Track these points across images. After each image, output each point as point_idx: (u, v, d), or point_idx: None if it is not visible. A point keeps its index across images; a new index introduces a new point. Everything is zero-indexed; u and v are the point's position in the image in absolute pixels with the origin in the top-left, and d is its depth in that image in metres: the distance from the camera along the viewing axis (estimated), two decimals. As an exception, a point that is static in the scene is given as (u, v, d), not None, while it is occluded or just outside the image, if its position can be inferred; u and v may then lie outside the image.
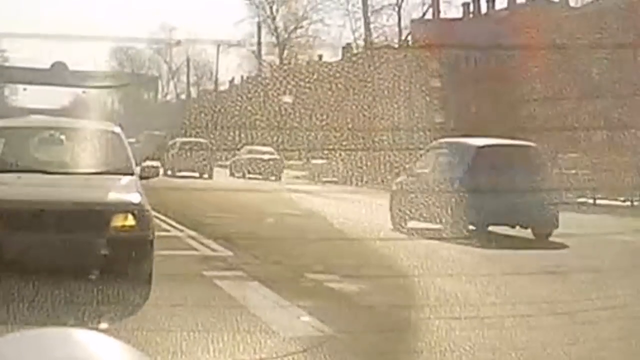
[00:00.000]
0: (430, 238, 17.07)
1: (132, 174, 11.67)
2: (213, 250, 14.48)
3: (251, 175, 38.47)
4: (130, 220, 10.53)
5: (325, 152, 37.31)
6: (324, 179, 35.78)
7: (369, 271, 12.66)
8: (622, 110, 32.80)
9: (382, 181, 27.10)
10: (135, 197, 10.90)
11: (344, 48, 51.08)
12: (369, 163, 32.04)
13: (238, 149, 41.70)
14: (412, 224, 18.63)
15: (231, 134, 46.34)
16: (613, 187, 27.80)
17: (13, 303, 9.27)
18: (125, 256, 10.37)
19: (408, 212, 18.78)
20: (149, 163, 12.27)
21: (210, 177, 37.98)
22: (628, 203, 27.89)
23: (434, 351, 8.07)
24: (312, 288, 11.44)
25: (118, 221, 10.53)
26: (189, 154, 37.60)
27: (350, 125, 37.27)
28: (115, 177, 11.48)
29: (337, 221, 18.18)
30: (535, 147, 20.17)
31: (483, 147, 19.06)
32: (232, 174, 40.67)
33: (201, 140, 41.18)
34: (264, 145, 41.52)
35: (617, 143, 31.53)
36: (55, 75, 51.65)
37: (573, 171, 28.72)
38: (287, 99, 41.42)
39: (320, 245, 15.02)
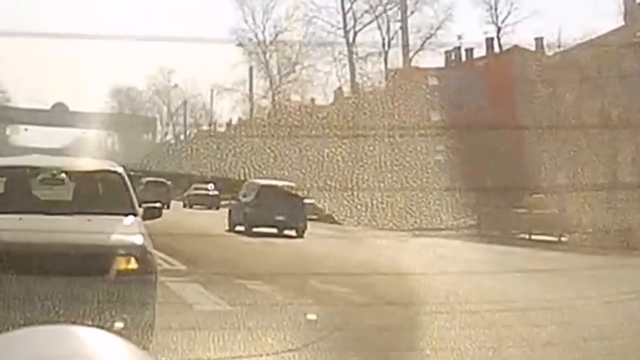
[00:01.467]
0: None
1: (135, 215, 11.01)
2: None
3: (197, 206, 48.99)
4: (133, 264, 9.88)
5: (318, 191, 37.63)
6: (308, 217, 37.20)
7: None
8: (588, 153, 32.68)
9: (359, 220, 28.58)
10: (138, 239, 10.24)
11: (335, 92, 51.13)
12: (350, 203, 32.06)
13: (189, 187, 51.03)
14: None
15: (228, 170, 46.30)
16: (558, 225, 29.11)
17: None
18: (128, 299, 9.72)
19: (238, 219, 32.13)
20: (151, 204, 11.56)
21: (168, 207, 39.72)
22: (557, 239, 29.80)
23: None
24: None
25: (120, 264, 9.88)
26: (153, 189, 41.67)
27: (337, 166, 37.51)
28: (117, 218, 10.83)
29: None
30: (293, 186, 31.04)
31: (263, 185, 31.38)
32: (184, 205, 49.65)
33: (162, 179, 47.33)
34: (207, 182, 49.29)
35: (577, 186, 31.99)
36: (56, 116, 51.42)
37: (537, 210, 30.33)
38: (280, 140, 41.31)
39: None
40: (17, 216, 10.57)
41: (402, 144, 35.00)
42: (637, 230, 25.08)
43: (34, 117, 52.02)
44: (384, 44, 49.64)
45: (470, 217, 31.92)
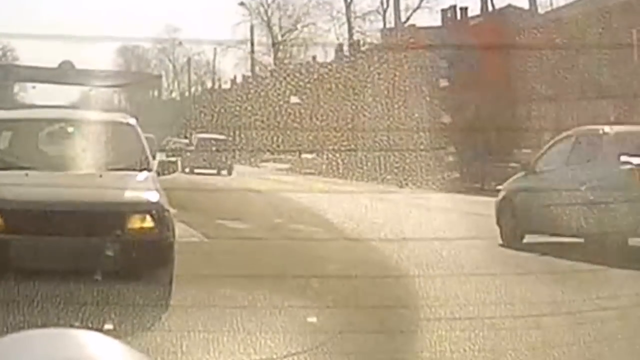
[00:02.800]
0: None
1: (149, 170, 9.90)
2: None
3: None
4: (149, 222, 8.80)
5: (317, 147, 38.08)
6: (305, 171, 38.03)
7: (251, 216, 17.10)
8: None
9: (353, 174, 29.07)
10: (153, 196, 9.15)
11: (335, 49, 50.56)
12: (347, 159, 32.85)
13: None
14: None
15: (233, 129, 45.73)
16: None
17: (20, 314, 7.61)
18: (143, 262, 8.67)
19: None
20: (166, 158, 10.41)
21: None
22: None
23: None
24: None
25: (135, 223, 8.80)
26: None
27: (336, 124, 37.58)
28: (131, 174, 9.71)
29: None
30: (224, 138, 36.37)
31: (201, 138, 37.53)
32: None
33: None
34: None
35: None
36: (63, 74, 50.60)
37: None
38: (292, 99, 40.90)
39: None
40: (23, 172, 9.47)
41: (394, 103, 34.98)
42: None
43: (41, 75, 50.95)
44: (382, 3, 48.94)
45: (457, 171, 32.11)
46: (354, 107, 38.87)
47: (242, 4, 54.44)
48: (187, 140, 41.07)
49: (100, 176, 9.53)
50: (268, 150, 41.28)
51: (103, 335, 2.32)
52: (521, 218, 14.74)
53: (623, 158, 13.51)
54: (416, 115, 32.42)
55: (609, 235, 12.57)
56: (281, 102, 41.46)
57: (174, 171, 10.31)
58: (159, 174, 9.91)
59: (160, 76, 61.71)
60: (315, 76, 44.46)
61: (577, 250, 12.88)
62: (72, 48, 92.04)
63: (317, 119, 39.25)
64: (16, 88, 58.41)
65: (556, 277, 10.97)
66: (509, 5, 43.15)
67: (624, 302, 9.07)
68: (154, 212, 8.80)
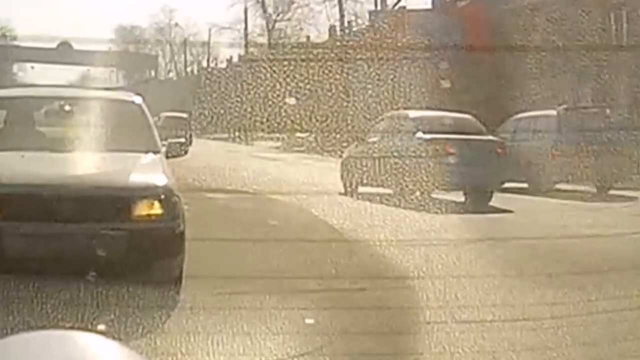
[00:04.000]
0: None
1: (156, 152, 8.87)
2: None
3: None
4: (157, 208, 7.78)
5: (308, 126, 38.02)
6: (295, 149, 37.90)
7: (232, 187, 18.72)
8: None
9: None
10: (161, 180, 8.13)
11: (329, 30, 50.25)
12: (337, 137, 32.87)
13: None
14: None
15: (227, 107, 45.48)
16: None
17: (14, 307, 6.65)
18: (150, 252, 7.67)
19: None
20: (175, 140, 9.36)
21: None
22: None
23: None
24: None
25: (142, 209, 7.78)
26: None
27: (331, 102, 37.59)
28: (137, 156, 8.68)
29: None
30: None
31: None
32: None
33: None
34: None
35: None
36: (61, 54, 50.19)
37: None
38: (286, 81, 40.68)
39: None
40: (19, 153, 8.44)
41: (381, 75, 35.16)
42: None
43: (40, 55, 50.48)
44: None
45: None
46: (342, 86, 38.69)
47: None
48: (156, 118, 40.71)
49: (104, 158, 8.50)
50: (261, 129, 41.17)
51: (103, 337, 2.20)
52: (354, 175, 19.17)
53: (418, 134, 18.36)
54: (402, 94, 32.60)
55: (412, 188, 17.12)
56: (275, 84, 41.13)
57: (185, 153, 9.25)
58: (167, 156, 8.89)
59: (156, 56, 61.24)
60: (309, 56, 44.04)
61: (388, 198, 17.23)
62: (71, 28, 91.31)
63: (309, 98, 39.14)
64: (15, 68, 57.85)
65: (371, 210, 15.91)
66: None
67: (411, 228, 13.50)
68: (162, 197, 7.78)
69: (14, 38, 54.24)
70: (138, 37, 61.89)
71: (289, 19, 54.93)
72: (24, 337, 2.27)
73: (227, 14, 68.97)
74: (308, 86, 40.11)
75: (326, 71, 39.84)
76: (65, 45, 50.22)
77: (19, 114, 9.37)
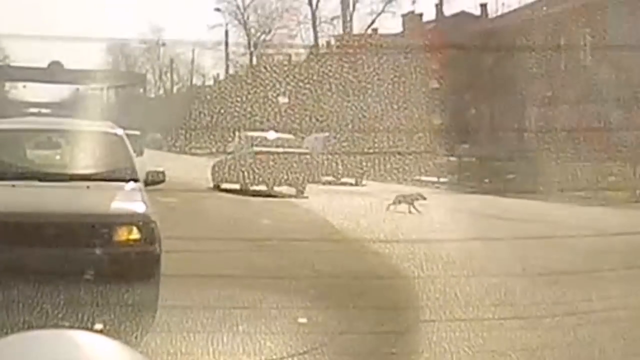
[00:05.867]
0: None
1: (136, 180, 9.39)
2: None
3: None
4: (135, 234, 8.29)
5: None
6: None
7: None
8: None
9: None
10: (140, 207, 8.64)
11: (309, 51, 51.01)
12: None
13: None
14: None
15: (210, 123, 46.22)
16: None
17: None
18: (129, 273, 8.16)
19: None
20: (154, 168, 9.85)
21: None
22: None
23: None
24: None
25: (122, 235, 8.30)
26: None
27: (304, 113, 38.31)
28: (118, 185, 9.19)
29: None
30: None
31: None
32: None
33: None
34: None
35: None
36: (52, 73, 50.33)
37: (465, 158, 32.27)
38: (269, 96, 41.24)
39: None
40: (10, 183, 8.94)
41: (352, 100, 35.76)
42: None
43: (31, 74, 50.67)
44: (343, 9, 49.23)
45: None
46: (317, 100, 39.49)
47: (217, 10, 54.34)
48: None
49: (87, 187, 9.00)
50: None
51: (101, 335, 2.24)
52: (219, 175, 26.54)
53: (254, 148, 25.87)
54: (373, 110, 33.29)
55: (251, 183, 24.85)
56: (258, 100, 41.65)
57: (162, 181, 9.76)
58: (146, 184, 9.40)
59: (145, 75, 61.35)
60: (289, 75, 44.74)
61: (237, 190, 24.56)
62: (62, 48, 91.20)
63: (288, 110, 39.69)
64: (7, 86, 57.95)
65: (228, 197, 23.47)
66: (462, 12, 44.45)
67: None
68: (140, 223, 8.30)
69: (6, 57, 54.41)
70: (129, 54, 62.15)
71: (270, 40, 55.50)
72: (25, 335, 2.31)
73: (211, 34, 69.45)
74: (287, 99, 40.95)
75: (303, 87, 40.58)
76: (56, 64, 50.41)
77: (11, 145, 9.86)
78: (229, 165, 26.25)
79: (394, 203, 19.33)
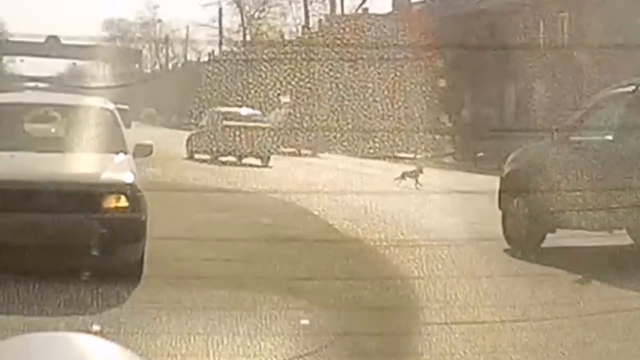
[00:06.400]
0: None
1: (125, 153, 10.10)
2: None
3: None
4: (123, 201, 9.01)
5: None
6: None
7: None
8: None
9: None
10: (128, 177, 9.36)
11: (302, 29, 51.31)
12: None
13: None
14: None
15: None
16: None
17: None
18: (117, 238, 8.88)
19: None
20: (142, 141, 10.58)
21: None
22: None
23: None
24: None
25: (111, 202, 9.02)
26: None
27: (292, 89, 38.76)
28: (109, 156, 9.90)
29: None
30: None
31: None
32: None
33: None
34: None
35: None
36: (49, 48, 50.63)
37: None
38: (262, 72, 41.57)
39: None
40: (9, 153, 9.66)
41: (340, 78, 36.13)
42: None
43: (29, 49, 51.03)
44: None
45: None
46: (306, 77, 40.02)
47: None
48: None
49: (80, 158, 9.71)
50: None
51: (100, 339, 2.28)
52: (193, 146, 28.81)
53: (223, 122, 27.92)
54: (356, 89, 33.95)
55: (220, 154, 26.81)
56: (250, 77, 42.09)
57: (150, 153, 10.47)
58: (135, 156, 10.11)
59: (140, 51, 61.76)
60: (281, 53, 45.13)
61: (207, 159, 27.03)
62: (60, 22, 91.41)
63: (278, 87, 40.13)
64: (5, 59, 58.35)
65: (197, 164, 25.93)
66: None
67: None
68: (128, 192, 9.01)
69: (4, 32, 54.77)
70: (124, 32, 62.60)
71: (264, 17, 55.79)
72: (25, 338, 2.31)
73: (206, 12, 70.01)
74: (278, 76, 41.45)
75: (295, 65, 41.08)
76: (53, 39, 50.73)
77: (11, 118, 10.59)
78: (202, 138, 28.46)
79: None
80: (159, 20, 61.32)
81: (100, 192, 9.01)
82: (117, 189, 9.06)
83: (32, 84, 53.18)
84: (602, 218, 10.99)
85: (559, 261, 10.47)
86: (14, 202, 8.81)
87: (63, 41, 51.04)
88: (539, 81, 33.47)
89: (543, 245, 11.49)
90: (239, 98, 33.69)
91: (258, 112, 30.71)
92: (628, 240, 11.26)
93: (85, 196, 8.96)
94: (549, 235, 11.51)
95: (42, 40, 50.53)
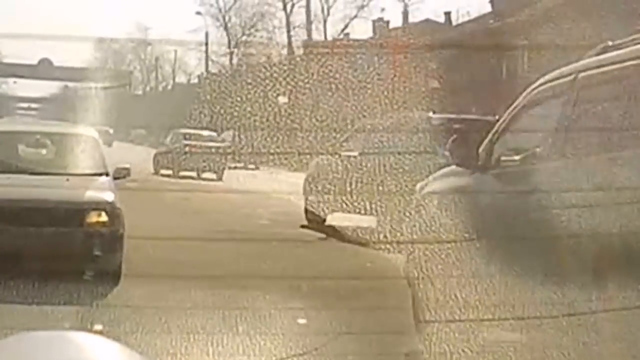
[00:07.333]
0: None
1: (107, 175, 11.56)
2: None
3: None
4: (104, 217, 10.46)
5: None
6: None
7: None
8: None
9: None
10: (109, 196, 10.81)
11: (287, 53, 52.35)
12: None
13: None
14: None
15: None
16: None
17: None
18: (98, 248, 10.30)
19: None
20: (121, 165, 12.07)
21: None
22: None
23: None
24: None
25: (93, 217, 10.46)
26: None
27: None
28: (92, 178, 11.37)
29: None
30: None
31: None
32: None
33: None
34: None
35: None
36: (42, 70, 51.16)
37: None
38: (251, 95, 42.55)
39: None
40: (5, 175, 11.11)
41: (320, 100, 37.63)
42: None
43: (21, 71, 51.85)
44: (308, 18, 51.21)
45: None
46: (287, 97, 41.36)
47: (198, 13, 55.86)
48: None
49: (67, 180, 11.16)
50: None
51: (101, 337, 2.27)
52: (159, 164, 32.68)
53: (183, 141, 32.54)
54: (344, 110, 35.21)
55: (182, 170, 30.88)
56: (235, 99, 43.16)
57: (128, 175, 11.94)
58: (115, 178, 11.56)
59: (130, 72, 62.66)
60: (267, 75, 46.27)
61: (170, 175, 31.30)
62: (52, 45, 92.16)
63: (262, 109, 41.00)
64: (-2, 82, 59.34)
65: (162, 179, 30.07)
66: (427, 19, 46.64)
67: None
68: (108, 209, 10.46)
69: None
70: (117, 51, 63.64)
71: (250, 41, 56.85)
72: (26, 336, 2.27)
73: (193, 35, 71.55)
74: (265, 96, 42.52)
75: (280, 86, 42.20)
76: (45, 61, 51.63)
77: (6, 144, 12.08)
78: (167, 157, 32.91)
79: None
80: (149, 44, 62.45)
81: (84, 209, 10.45)
82: (99, 206, 10.50)
83: (25, 105, 54.20)
84: None
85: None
86: (9, 217, 10.26)
87: (55, 63, 51.91)
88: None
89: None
90: (220, 119, 35.73)
91: (214, 133, 35.51)
92: None
93: (70, 213, 10.40)
94: None
95: (34, 62, 51.39)
